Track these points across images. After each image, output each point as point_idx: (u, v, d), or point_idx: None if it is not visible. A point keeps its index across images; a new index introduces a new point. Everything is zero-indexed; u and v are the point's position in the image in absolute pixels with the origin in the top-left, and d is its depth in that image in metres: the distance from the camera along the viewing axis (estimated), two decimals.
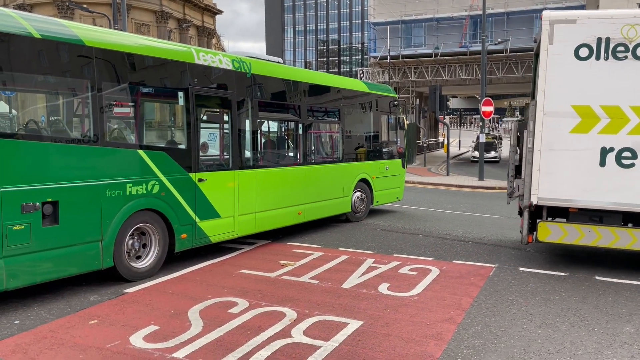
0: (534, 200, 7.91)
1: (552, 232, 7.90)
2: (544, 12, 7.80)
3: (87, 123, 6.79)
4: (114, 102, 7.17)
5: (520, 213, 8.70)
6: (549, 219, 8.13)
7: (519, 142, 8.81)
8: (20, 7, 34.32)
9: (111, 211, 6.69)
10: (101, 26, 18.30)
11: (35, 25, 6.08)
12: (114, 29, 20.67)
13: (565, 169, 7.74)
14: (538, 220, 8.05)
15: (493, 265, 8.30)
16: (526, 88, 48.21)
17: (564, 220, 8.09)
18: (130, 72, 7.23)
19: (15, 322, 5.56)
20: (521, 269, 8.15)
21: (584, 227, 7.79)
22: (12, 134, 6.05)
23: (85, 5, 24.95)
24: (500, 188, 20.73)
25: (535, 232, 8.14)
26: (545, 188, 7.83)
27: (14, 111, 6.74)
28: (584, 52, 7.55)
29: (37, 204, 5.88)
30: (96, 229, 6.54)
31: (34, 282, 6.02)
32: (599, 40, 7.48)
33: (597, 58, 7.51)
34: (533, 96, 8.80)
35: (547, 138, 7.75)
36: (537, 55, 8.27)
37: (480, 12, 28.72)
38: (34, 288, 6.43)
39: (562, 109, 7.68)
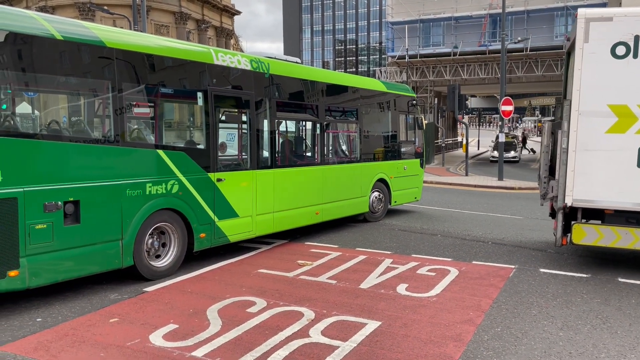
0: (569, 201, 7.76)
1: (587, 235, 7.76)
2: (579, 10, 7.66)
3: (107, 123, 6.88)
4: (134, 103, 7.24)
5: (553, 215, 8.55)
6: (584, 220, 7.99)
7: (547, 141, 8.67)
8: (42, 9, 34.89)
9: (131, 210, 6.76)
10: (121, 27, 18.51)
11: (57, 27, 6.16)
12: (134, 30, 20.90)
13: (601, 169, 7.59)
14: (572, 222, 7.89)
15: (513, 267, 8.20)
16: (546, 87, 47.69)
17: (599, 222, 7.93)
18: (150, 72, 7.30)
19: (38, 319, 5.65)
20: (542, 270, 8.04)
21: (620, 229, 7.63)
22: (34, 135, 6.15)
23: (106, 7, 25.27)
24: (520, 188, 20.50)
25: (569, 234, 7.99)
26: (580, 189, 7.69)
27: (36, 112, 6.85)
28: (620, 50, 7.40)
29: (59, 203, 5.96)
30: (116, 228, 6.61)
31: (56, 280, 6.11)
32: (637, 38, 7.33)
33: (635, 56, 7.36)
34: (565, 95, 8.67)
35: (582, 138, 7.61)
36: (569, 53, 8.14)
37: (500, 11, 28.44)
38: (56, 286, 6.51)
39: (598, 109, 7.53)
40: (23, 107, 6.66)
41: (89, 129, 7.06)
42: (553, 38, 34.92)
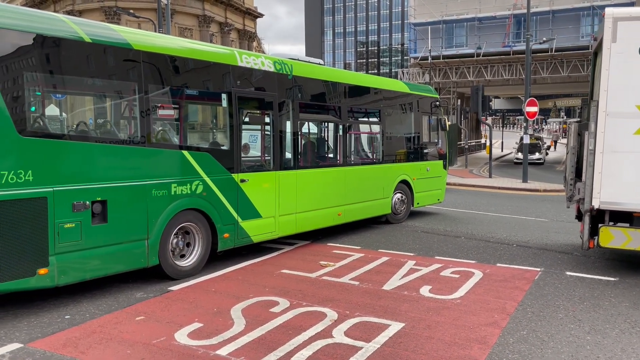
0: (596, 204, 7.63)
1: (614, 237, 7.61)
2: (607, 10, 7.53)
3: (134, 124, 6.99)
4: (160, 104, 7.34)
5: (579, 217, 8.41)
6: (611, 223, 7.84)
7: (574, 143, 8.54)
8: (69, 13, 35.56)
9: (157, 210, 6.85)
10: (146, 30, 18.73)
11: (86, 30, 6.28)
12: (159, 33, 21.17)
13: (629, 171, 7.44)
14: (600, 225, 7.75)
15: (538, 269, 8.09)
16: (572, 88, 46.93)
17: (627, 225, 7.78)
18: (176, 74, 7.39)
19: (66, 317, 5.76)
20: (568, 273, 7.92)
21: None
22: (63, 136, 6.27)
23: (131, 11, 25.65)
24: (545, 190, 20.21)
25: (596, 237, 7.85)
26: (607, 191, 7.55)
27: (64, 113, 6.99)
28: None
29: (87, 202, 6.08)
30: (142, 228, 6.70)
31: (84, 278, 6.22)
32: None
33: None
34: (592, 96, 8.52)
35: (609, 140, 7.48)
36: (595, 53, 8.00)
37: (524, 11, 28.11)
38: (84, 284, 6.64)
39: (626, 109, 7.39)
40: (51, 109, 6.81)
41: (115, 130, 7.18)
42: (579, 38, 34.38)
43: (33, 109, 5.99)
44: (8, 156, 5.43)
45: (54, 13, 6.67)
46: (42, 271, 5.67)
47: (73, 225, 5.94)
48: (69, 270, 5.96)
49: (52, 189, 5.75)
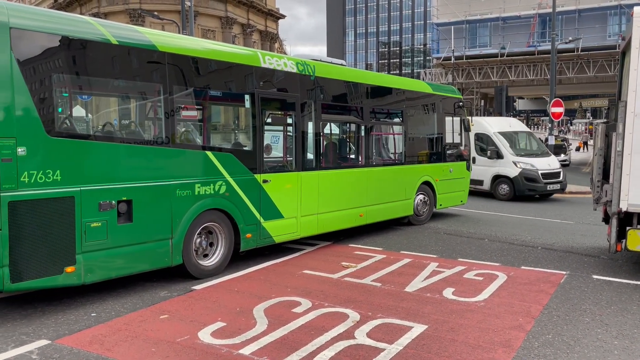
0: (624, 206, 7.47)
1: None
2: (635, 9, 7.37)
3: (158, 125, 7.07)
4: (184, 105, 7.42)
5: (606, 220, 8.25)
6: (639, 226, 7.68)
7: (601, 144, 8.38)
8: (95, 15, 36.20)
9: (181, 210, 6.92)
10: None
11: (113, 32, 6.38)
12: (182, 34, 21.38)
13: None
14: (628, 228, 7.59)
15: (564, 272, 7.96)
16: (598, 88, 46.09)
17: None
18: (199, 75, 7.47)
19: (92, 314, 5.86)
20: (595, 276, 7.77)
21: None
22: (90, 136, 6.38)
23: (155, 13, 25.98)
24: (570, 192, 19.86)
25: (624, 240, 7.68)
26: (635, 193, 7.39)
27: (90, 114, 7.11)
28: None
29: (113, 202, 6.17)
30: (166, 227, 6.78)
31: (109, 277, 6.32)
32: None
33: None
34: (619, 96, 8.36)
35: (638, 141, 7.33)
36: (623, 53, 7.84)
37: (550, 10, 27.69)
38: (109, 282, 6.74)
39: None
40: (78, 110, 6.93)
41: (140, 130, 7.28)
42: (606, 37, 33.77)
43: (60, 109, 6.10)
44: (37, 156, 5.54)
45: (81, 15, 6.79)
46: (69, 269, 5.78)
47: (99, 224, 6.03)
48: (95, 269, 6.06)
49: (79, 189, 5.85)
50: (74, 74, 6.14)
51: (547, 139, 24.09)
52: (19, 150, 5.39)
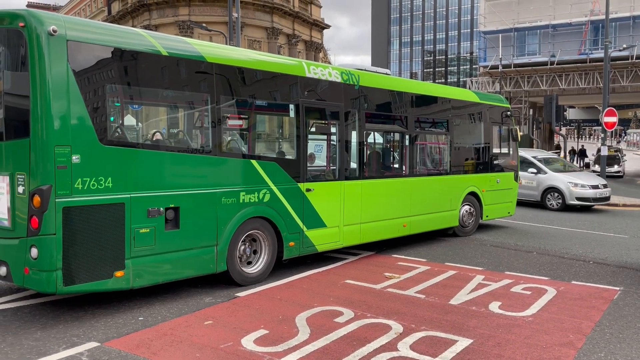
0: None
1: None
2: None
3: (205, 134, 7.22)
4: (230, 115, 7.55)
5: None
6: None
7: None
8: (146, 27, 37.40)
9: (226, 217, 7.02)
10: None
11: (163, 44, 6.57)
12: (229, 45, 21.83)
13: None
14: None
15: (617, 288, 7.64)
16: None
17: None
18: (246, 85, 7.59)
19: (140, 318, 6.00)
20: None
21: None
22: (140, 144, 6.57)
23: (204, 24, 26.62)
24: (624, 205, 19.09)
25: None
26: None
27: (140, 123, 7.33)
28: None
29: (161, 209, 6.32)
30: (212, 234, 6.89)
31: (156, 282, 6.47)
32: None
33: None
34: None
35: None
36: None
37: (602, 17, 26.83)
38: (156, 287, 6.89)
39: None
40: (128, 119, 7.16)
41: (188, 139, 7.44)
42: None
43: (112, 119, 6.32)
44: (90, 164, 5.74)
45: (133, 28, 7.02)
46: (118, 274, 5.95)
47: (148, 230, 6.19)
48: (143, 274, 6.21)
49: (129, 195, 6.03)
50: (125, 84, 6.35)
51: (599, 150, 23.26)
52: (74, 158, 5.60)
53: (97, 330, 5.58)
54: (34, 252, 5.47)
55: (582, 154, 43.44)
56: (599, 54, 31.38)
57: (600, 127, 25.25)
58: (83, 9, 62.45)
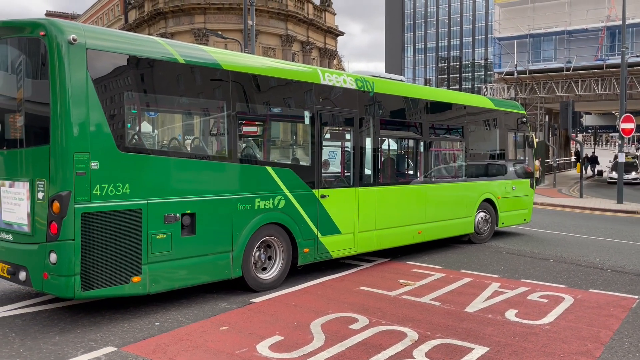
0: None
1: None
2: None
3: (221, 141, 7.28)
4: (246, 122, 7.60)
5: None
6: None
7: None
8: (162, 35, 37.83)
9: (241, 224, 7.06)
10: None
11: (180, 51, 6.65)
12: (244, 52, 21.99)
13: None
14: None
15: (636, 297, 7.53)
16: None
17: None
18: (261, 92, 7.64)
19: (156, 323, 6.04)
20: None
21: None
22: (156, 151, 6.64)
23: (219, 32, 26.85)
24: None
25: None
26: None
27: (156, 130, 7.41)
28: None
29: (178, 215, 6.38)
30: (227, 240, 6.93)
31: (172, 287, 6.51)
32: None
33: None
34: None
35: None
36: None
37: (619, 23, 26.59)
38: (172, 293, 6.94)
39: None
40: (144, 126, 7.24)
41: (204, 145, 7.50)
42: None
43: (130, 125, 6.40)
44: (108, 170, 5.81)
45: (150, 36, 7.12)
46: (135, 279, 6.00)
47: (164, 236, 6.24)
48: (159, 279, 6.26)
49: (146, 202, 6.09)
50: (143, 92, 6.43)
51: (616, 156, 23.00)
52: (92, 164, 5.68)
53: (114, 335, 5.63)
54: (53, 257, 5.55)
55: (594, 160, 42.97)
56: (616, 59, 31.07)
57: (617, 134, 24.97)
58: (101, 17, 63.39)
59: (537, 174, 31.04)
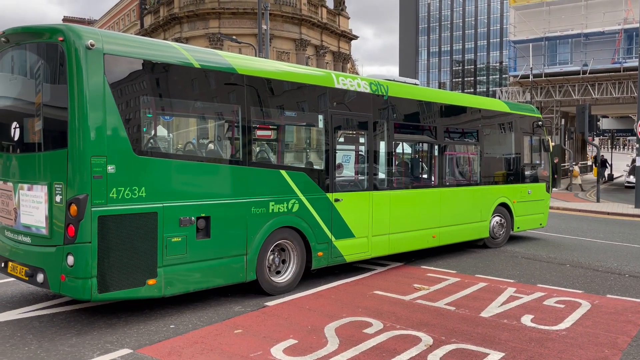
0: None
1: None
2: None
3: (235, 145, 7.31)
4: (260, 125, 7.64)
5: None
6: None
7: None
8: (177, 40, 38.13)
9: (255, 227, 7.09)
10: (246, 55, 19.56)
11: (195, 56, 6.71)
12: (258, 57, 22.10)
13: None
14: None
15: None
16: None
17: None
18: (275, 97, 7.68)
19: (171, 326, 6.08)
20: None
21: None
22: (172, 155, 6.70)
23: (234, 37, 27.01)
24: None
25: None
26: None
27: (172, 134, 7.47)
28: None
29: (193, 218, 6.42)
30: (242, 244, 6.96)
31: (187, 290, 6.55)
32: None
33: None
34: None
35: None
36: None
37: (636, 25, 26.29)
38: (186, 296, 6.98)
39: None
40: (160, 130, 7.30)
41: (219, 149, 7.55)
42: None
43: (145, 129, 6.47)
44: (125, 174, 5.87)
45: (166, 41, 7.18)
46: (151, 282, 6.05)
47: (179, 239, 6.29)
48: (174, 282, 6.30)
49: (162, 205, 6.14)
50: (159, 96, 6.50)
51: (634, 160, 22.69)
52: (109, 168, 5.74)
53: (129, 337, 5.67)
54: (70, 259, 5.61)
55: (603, 164, 42.39)
56: (633, 62, 30.68)
57: (635, 137, 24.64)
58: (117, 22, 64.13)
59: (578, 180, 30.61)
